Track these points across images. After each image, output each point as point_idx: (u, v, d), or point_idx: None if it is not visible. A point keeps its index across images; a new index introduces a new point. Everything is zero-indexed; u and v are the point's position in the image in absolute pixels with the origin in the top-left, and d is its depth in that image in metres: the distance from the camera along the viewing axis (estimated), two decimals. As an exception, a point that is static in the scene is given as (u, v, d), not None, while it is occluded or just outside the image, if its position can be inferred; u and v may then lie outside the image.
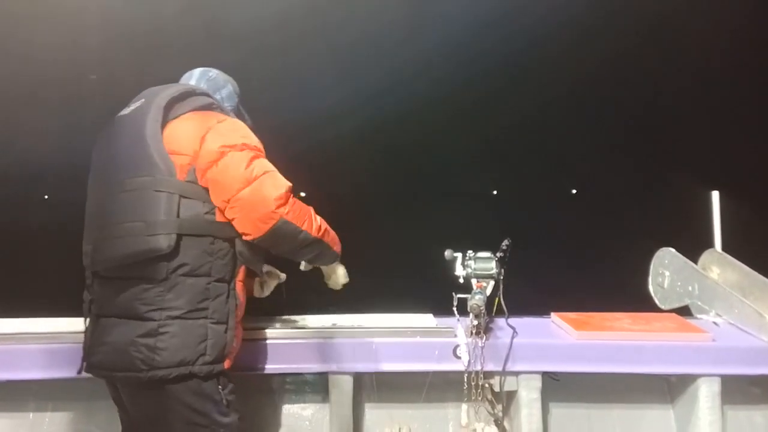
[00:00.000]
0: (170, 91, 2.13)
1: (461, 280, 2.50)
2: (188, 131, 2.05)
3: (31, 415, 2.61)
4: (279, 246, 2.10)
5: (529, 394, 2.50)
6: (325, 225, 2.18)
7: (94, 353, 2.07)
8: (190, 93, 2.17)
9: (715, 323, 2.75)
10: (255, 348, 2.46)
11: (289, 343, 2.49)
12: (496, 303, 2.51)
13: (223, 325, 2.05)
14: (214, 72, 2.40)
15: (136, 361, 1.95)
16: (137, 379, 1.97)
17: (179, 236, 1.96)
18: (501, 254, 2.55)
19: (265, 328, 2.53)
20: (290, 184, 2.07)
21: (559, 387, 2.59)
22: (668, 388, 2.69)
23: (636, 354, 2.50)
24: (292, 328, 2.57)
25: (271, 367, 2.48)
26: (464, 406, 2.47)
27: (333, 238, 2.23)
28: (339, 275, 2.40)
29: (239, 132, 2.10)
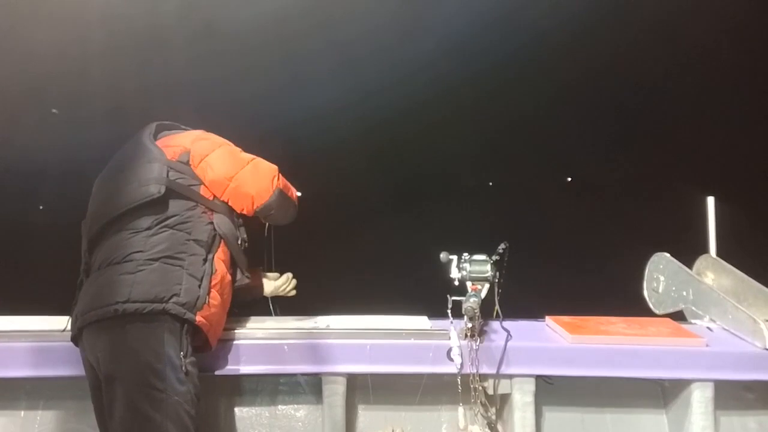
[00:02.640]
0: (156, 122, 2.56)
1: (456, 283, 2.50)
2: (180, 136, 2.50)
3: (22, 413, 2.59)
4: (276, 210, 2.45)
5: (522, 397, 2.50)
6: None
7: (78, 307, 2.18)
8: (174, 126, 2.61)
9: (709, 328, 2.75)
10: (248, 349, 2.45)
11: (282, 344, 2.48)
12: (496, 308, 2.51)
13: (197, 280, 2.20)
14: None
15: (114, 296, 2.07)
16: (113, 313, 2.05)
17: (168, 189, 2.26)
18: (497, 257, 2.55)
19: (258, 329, 2.53)
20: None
21: (552, 390, 2.59)
22: (662, 393, 2.69)
23: (630, 358, 2.51)
24: (285, 329, 2.56)
25: (264, 368, 2.47)
26: (460, 409, 2.46)
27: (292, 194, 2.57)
28: (277, 286, 2.67)
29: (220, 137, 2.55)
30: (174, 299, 2.11)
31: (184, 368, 2.11)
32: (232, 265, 2.40)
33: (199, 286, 2.18)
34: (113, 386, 2.08)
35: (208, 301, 2.20)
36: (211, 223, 2.35)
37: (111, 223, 2.25)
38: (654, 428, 2.67)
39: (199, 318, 2.15)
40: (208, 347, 2.29)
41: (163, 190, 2.25)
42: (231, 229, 2.39)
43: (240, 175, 2.39)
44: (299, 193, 2.58)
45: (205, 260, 2.25)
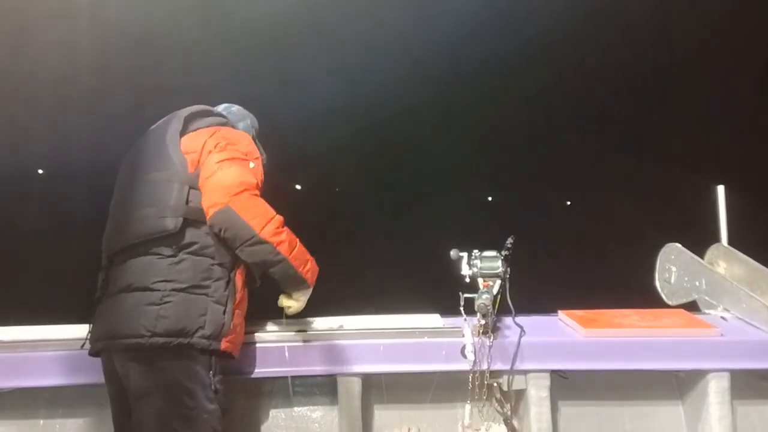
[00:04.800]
0: (192, 108, 2.43)
1: (467, 280, 2.50)
2: (202, 133, 2.34)
3: (41, 422, 2.62)
4: (226, 233, 2.16)
5: (537, 392, 2.50)
6: (294, 243, 2.25)
7: (99, 326, 2.18)
8: (209, 112, 2.46)
9: (723, 318, 2.74)
10: (264, 351, 2.47)
11: (297, 345, 2.50)
12: (498, 301, 2.51)
13: (221, 306, 2.18)
14: (235, 107, 2.67)
15: (140, 328, 2.07)
16: (138, 345, 2.06)
17: (186, 220, 2.18)
18: (506, 252, 2.55)
19: (273, 332, 2.54)
20: (256, 181, 2.25)
21: (567, 385, 2.59)
22: (677, 384, 2.68)
23: (644, 350, 2.50)
24: (300, 330, 2.58)
25: (280, 370, 2.49)
26: (467, 407, 2.47)
27: (299, 259, 2.26)
28: (295, 304, 2.39)
29: (235, 143, 2.34)
30: (199, 332, 2.11)
31: (213, 387, 2.15)
32: (246, 267, 2.31)
33: (224, 312, 2.17)
34: (144, 403, 2.10)
35: (232, 325, 2.20)
36: None
37: (132, 246, 2.19)
38: (670, 420, 2.66)
39: (224, 344, 2.17)
40: (233, 356, 2.29)
41: (179, 224, 2.16)
42: None
43: (206, 184, 2.21)
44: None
45: (228, 281, 2.22)
